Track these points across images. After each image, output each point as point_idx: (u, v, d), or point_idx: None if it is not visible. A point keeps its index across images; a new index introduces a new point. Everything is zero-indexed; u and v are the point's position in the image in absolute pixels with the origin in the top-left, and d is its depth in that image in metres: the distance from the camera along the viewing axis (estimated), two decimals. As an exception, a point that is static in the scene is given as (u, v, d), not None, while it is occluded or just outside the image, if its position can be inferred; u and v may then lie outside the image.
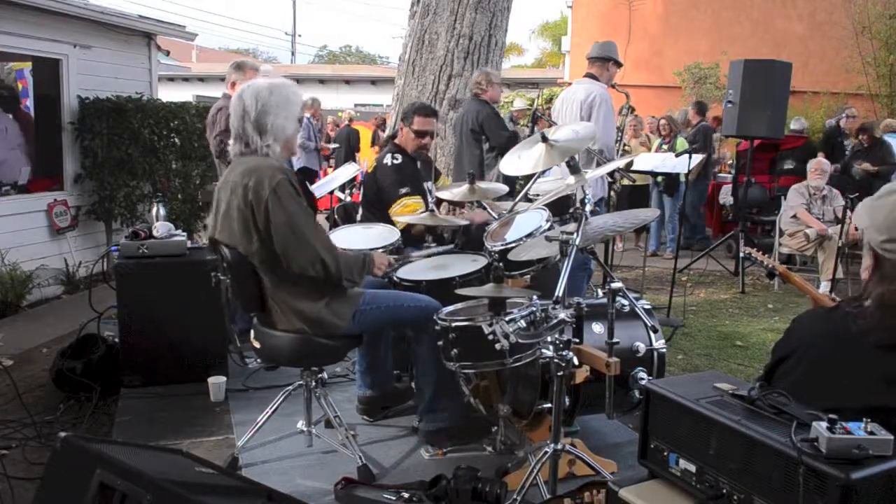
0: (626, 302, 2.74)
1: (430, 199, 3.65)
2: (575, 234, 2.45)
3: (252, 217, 2.58)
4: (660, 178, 7.97)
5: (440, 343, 2.68)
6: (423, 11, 6.41)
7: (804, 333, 1.70)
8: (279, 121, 2.64)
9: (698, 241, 8.39)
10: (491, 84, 5.49)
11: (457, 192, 3.51)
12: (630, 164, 5.45)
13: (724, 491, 1.45)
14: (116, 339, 3.91)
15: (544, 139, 2.75)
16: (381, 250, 3.35)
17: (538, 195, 3.48)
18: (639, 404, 2.71)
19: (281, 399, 3.05)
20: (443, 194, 3.73)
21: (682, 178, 7.68)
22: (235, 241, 2.64)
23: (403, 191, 3.72)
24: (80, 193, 6.46)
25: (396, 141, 3.97)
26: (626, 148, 7.83)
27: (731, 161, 9.76)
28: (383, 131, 9.04)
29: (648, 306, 3.00)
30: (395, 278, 3.23)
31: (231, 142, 2.71)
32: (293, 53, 36.25)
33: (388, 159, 3.84)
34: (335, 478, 2.78)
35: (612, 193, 5.28)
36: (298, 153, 9.47)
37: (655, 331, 2.88)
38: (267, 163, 2.62)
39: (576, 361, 2.48)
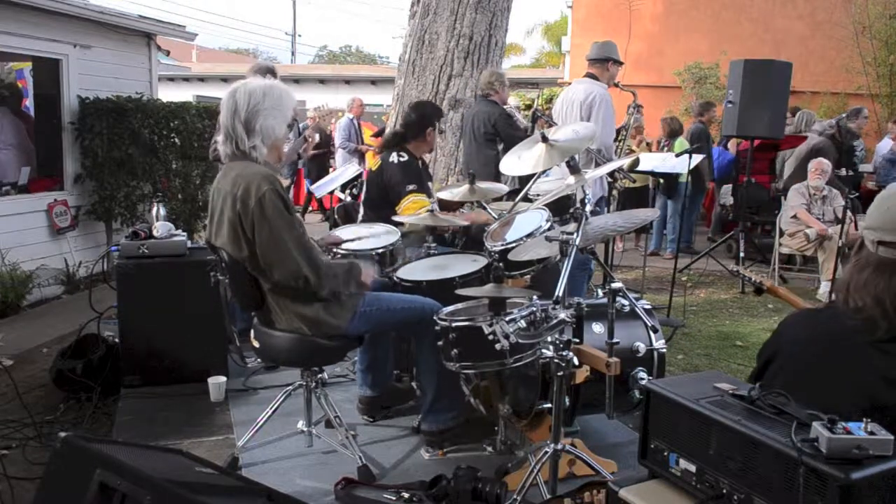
0: (626, 302, 2.74)
1: (432, 199, 3.66)
2: (575, 234, 2.45)
3: (240, 226, 2.59)
4: (660, 179, 7.95)
5: (440, 343, 2.68)
6: (423, 11, 6.41)
7: (792, 335, 1.69)
8: (269, 122, 2.63)
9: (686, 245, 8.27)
10: (503, 86, 5.55)
11: (457, 192, 3.51)
12: (636, 162, 5.44)
13: (724, 491, 1.45)
14: (116, 339, 3.91)
15: (544, 139, 2.75)
16: (380, 250, 3.36)
17: (538, 195, 3.48)
18: (639, 404, 2.71)
19: (281, 399, 3.05)
20: (443, 194, 3.74)
21: (683, 179, 7.67)
22: (228, 247, 2.66)
23: (411, 187, 3.72)
24: (80, 193, 6.46)
25: (415, 144, 3.93)
26: (633, 149, 7.82)
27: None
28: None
29: (648, 306, 3.00)
30: (395, 279, 3.23)
31: (220, 139, 2.71)
32: (293, 53, 36.24)
33: (394, 157, 3.84)
34: (335, 478, 2.78)
35: (615, 192, 5.26)
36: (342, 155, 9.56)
37: (655, 331, 2.88)
38: (255, 170, 2.61)
39: (576, 361, 2.48)
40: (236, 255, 2.65)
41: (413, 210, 3.64)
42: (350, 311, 2.77)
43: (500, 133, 5.44)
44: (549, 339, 2.43)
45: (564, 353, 2.42)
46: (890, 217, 1.55)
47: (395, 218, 3.63)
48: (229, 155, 2.69)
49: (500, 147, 5.45)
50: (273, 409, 3.02)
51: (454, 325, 2.62)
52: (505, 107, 5.75)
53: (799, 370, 1.61)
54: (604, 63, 5.09)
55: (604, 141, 4.86)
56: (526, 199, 3.50)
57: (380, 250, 3.37)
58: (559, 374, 2.42)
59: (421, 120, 3.94)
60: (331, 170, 9.62)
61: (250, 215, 2.55)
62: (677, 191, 8.01)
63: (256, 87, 2.64)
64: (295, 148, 7.57)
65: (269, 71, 4.58)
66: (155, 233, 3.85)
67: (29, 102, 7.12)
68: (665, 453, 1.59)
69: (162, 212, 4.05)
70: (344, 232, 3.62)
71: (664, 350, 2.92)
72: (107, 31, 6.75)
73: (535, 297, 2.59)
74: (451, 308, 2.85)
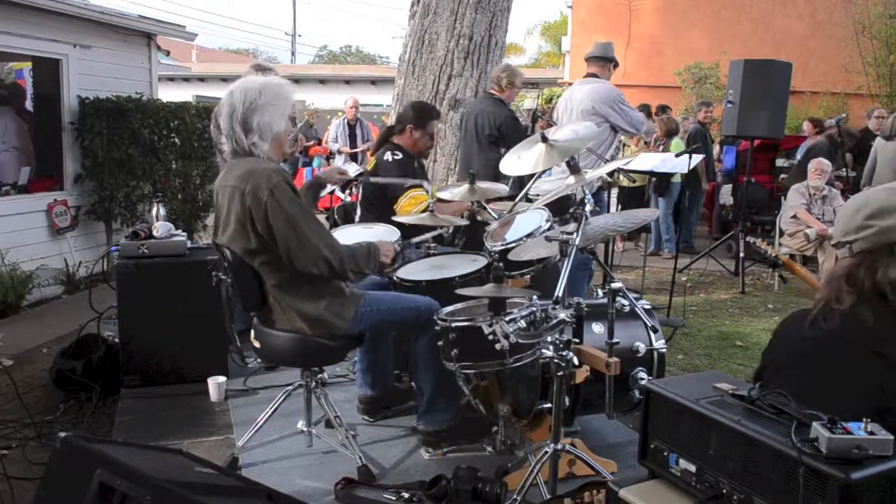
0: (626, 302, 2.74)
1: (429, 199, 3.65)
2: (575, 234, 2.45)
3: (251, 221, 2.59)
4: (652, 178, 7.96)
5: (440, 343, 2.68)
6: (423, 11, 6.41)
7: (789, 343, 1.69)
8: (265, 118, 2.63)
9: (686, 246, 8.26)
10: (511, 85, 5.22)
11: (456, 192, 3.51)
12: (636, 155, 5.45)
13: (724, 491, 1.45)
14: (116, 339, 3.91)
15: (544, 139, 2.75)
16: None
17: (538, 195, 3.48)
18: (639, 404, 2.71)
19: (281, 399, 3.05)
20: (443, 194, 3.73)
21: (676, 179, 7.68)
22: (234, 244, 2.66)
23: (410, 183, 3.71)
24: (80, 193, 6.46)
25: (397, 141, 3.95)
26: (634, 149, 7.83)
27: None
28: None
29: (648, 306, 3.00)
30: (395, 278, 3.23)
31: (223, 140, 2.72)
32: (293, 53, 36.25)
33: (388, 156, 3.83)
34: (335, 478, 2.78)
35: (616, 187, 5.25)
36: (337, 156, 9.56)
37: (655, 331, 2.88)
38: (262, 165, 2.63)
39: (576, 361, 2.48)
40: (243, 247, 2.64)
41: (413, 207, 3.63)
42: (351, 310, 2.77)
43: (505, 137, 5.11)
44: (549, 339, 2.43)
45: (564, 353, 2.41)
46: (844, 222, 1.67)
47: (395, 218, 3.62)
48: (231, 153, 2.70)
49: (503, 151, 5.20)
50: (273, 409, 3.02)
51: (454, 325, 2.62)
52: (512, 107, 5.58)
53: (799, 378, 1.60)
54: (607, 63, 5.10)
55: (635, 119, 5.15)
56: (526, 198, 3.50)
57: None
58: (559, 374, 2.42)
59: (406, 116, 3.96)
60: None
61: (263, 207, 2.55)
62: (669, 191, 8.02)
63: (252, 86, 2.64)
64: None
65: (266, 72, 4.57)
66: (155, 233, 3.85)
67: (28, 102, 7.12)
68: (665, 453, 1.59)
69: (162, 212, 4.05)
70: (346, 232, 3.61)
71: (664, 350, 2.92)
72: (107, 31, 6.75)
73: (535, 297, 2.59)
74: (450, 308, 2.85)
